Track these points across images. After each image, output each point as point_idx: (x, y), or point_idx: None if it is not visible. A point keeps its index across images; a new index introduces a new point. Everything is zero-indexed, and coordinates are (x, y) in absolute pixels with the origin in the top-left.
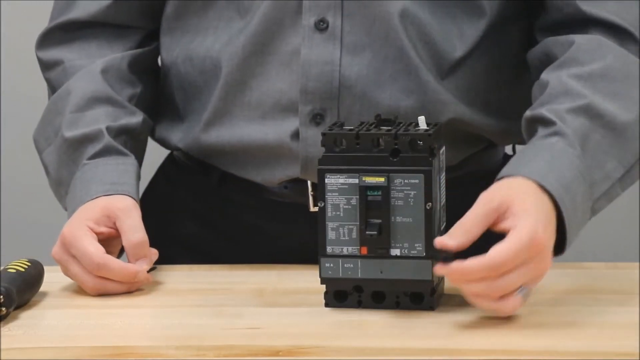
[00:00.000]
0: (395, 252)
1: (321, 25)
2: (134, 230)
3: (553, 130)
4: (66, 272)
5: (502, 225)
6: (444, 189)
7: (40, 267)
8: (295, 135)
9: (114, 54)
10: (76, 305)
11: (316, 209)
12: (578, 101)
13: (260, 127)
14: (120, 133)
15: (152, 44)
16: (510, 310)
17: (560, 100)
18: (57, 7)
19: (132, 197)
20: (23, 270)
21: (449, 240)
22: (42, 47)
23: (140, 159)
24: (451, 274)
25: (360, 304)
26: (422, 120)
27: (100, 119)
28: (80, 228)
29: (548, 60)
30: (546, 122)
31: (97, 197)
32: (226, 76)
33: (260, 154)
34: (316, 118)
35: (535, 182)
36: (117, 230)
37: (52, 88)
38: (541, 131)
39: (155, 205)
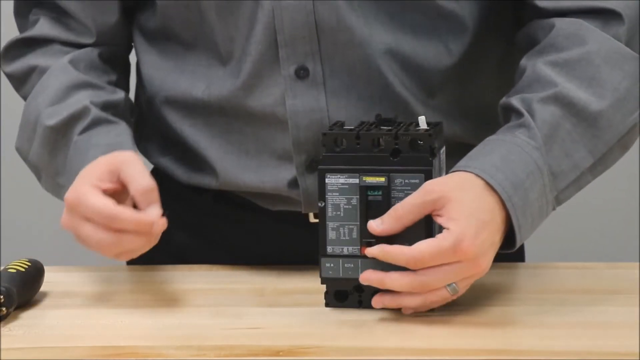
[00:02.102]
0: None
1: (302, 74)
2: (140, 176)
3: (520, 122)
4: (78, 237)
5: (438, 220)
6: None
7: (40, 267)
8: (293, 183)
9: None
10: (76, 305)
11: (316, 220)
12: (549, 90)
13: (256, 175)
14: (105, 108)
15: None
16: (435, 301)
17: (533, 89)
18: (17, 24)
19: (132, 152)
20: (23, 270)
21: (376, 225)
22: (6, 61)
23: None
24: (374, 254)
25: (360, 304)
26: (422, 120)
27: (82, 100)
28: (84, 186)
29: (532, 43)
30: (516, 112)
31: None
32: (214, 123)
33: (257, 195)
34: (312, 165)
35: (482, 180)
36: (122, 185)
37: None
38: (511, 121)
39: None
